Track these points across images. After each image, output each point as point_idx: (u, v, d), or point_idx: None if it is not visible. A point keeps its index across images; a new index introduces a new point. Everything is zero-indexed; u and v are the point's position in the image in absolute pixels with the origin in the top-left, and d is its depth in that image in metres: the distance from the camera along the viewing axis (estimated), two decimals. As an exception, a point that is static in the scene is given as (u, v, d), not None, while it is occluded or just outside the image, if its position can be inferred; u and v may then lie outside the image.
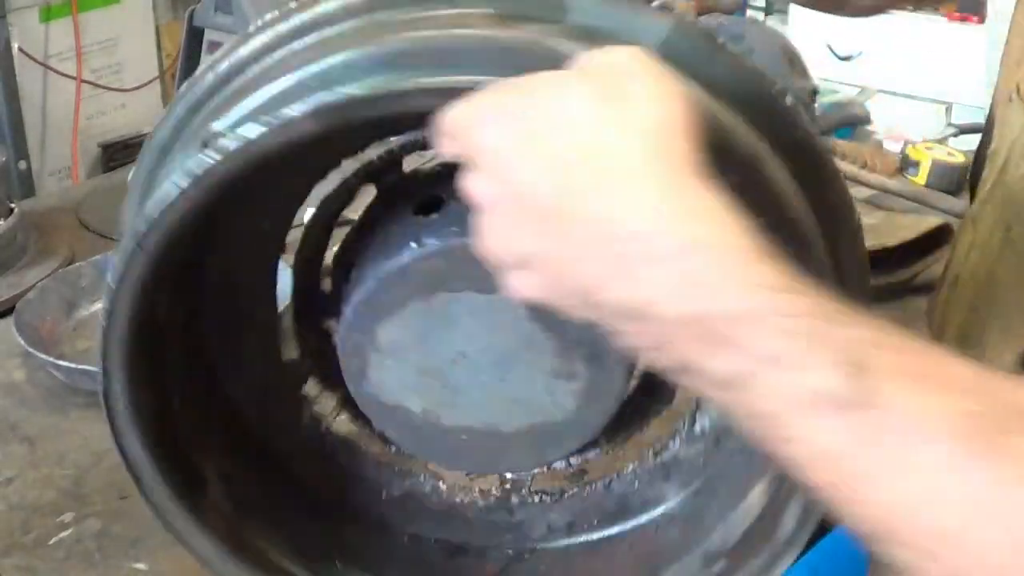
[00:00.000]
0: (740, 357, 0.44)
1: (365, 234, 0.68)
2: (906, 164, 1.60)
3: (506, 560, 0.79)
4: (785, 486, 0.68)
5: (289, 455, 0.79)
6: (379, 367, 0.66)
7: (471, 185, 0.51)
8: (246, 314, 0.75)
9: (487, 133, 0.49)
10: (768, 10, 3.35)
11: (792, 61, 1.82)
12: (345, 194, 0.72)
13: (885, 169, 1.61)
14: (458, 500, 0.81)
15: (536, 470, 0.78)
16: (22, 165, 1.69)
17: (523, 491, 0.80)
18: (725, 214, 0.46)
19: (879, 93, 1.98)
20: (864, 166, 1.62)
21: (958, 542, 0.40)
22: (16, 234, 1.32)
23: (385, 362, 0.65)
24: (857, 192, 1.52)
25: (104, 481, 0.95)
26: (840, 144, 1.70)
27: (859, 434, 0.42)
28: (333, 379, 0.74)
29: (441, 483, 0.81)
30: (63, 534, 0.89)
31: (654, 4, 0.63)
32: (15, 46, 1.74)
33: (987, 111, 0.77)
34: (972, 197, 0.80)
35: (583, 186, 0.47)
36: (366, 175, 0.70)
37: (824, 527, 0.97)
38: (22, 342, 1.08)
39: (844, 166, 1.63)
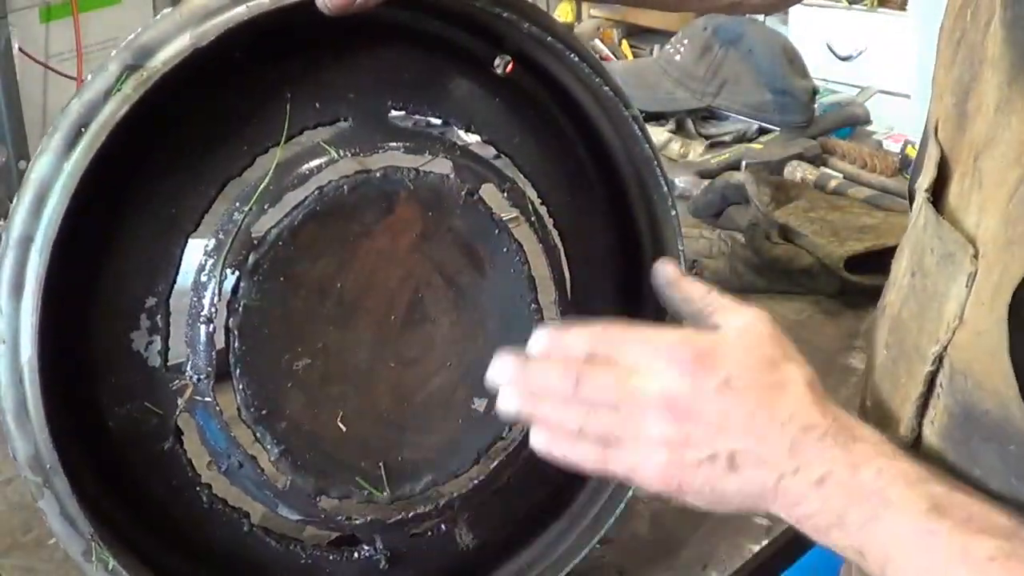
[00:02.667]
0: (870, 505, 0.61)
1: None
2: (906, 164, 1.59)
3: None
4: None
5: None
6: None
7: (659, 434, 0.64)
8: None
9: (713, 407, 0.64)
10: (768, 10, 3.34)
11: (792, 61, 1.82)
12: None
13: (885, 169, 1.61)
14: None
15: None
16: (22, 165, 1.68)
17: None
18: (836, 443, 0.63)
19: (879, 93, 1.97)
20: (864, 166, 1.62)
21: None
22: (16, 234, 1.31)
23: None
24: (857, 192, 1.52)
25: (104, 481, 0.95)
26: (840, 144, 1.70)
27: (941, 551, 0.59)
28: None
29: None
30: (63, 534, 0.89)
31: None
32: (15, 46, 1.74)
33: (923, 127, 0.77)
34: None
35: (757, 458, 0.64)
36: None
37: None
38: (22, 342, 1.08)
39: (844, 166, 1.64)
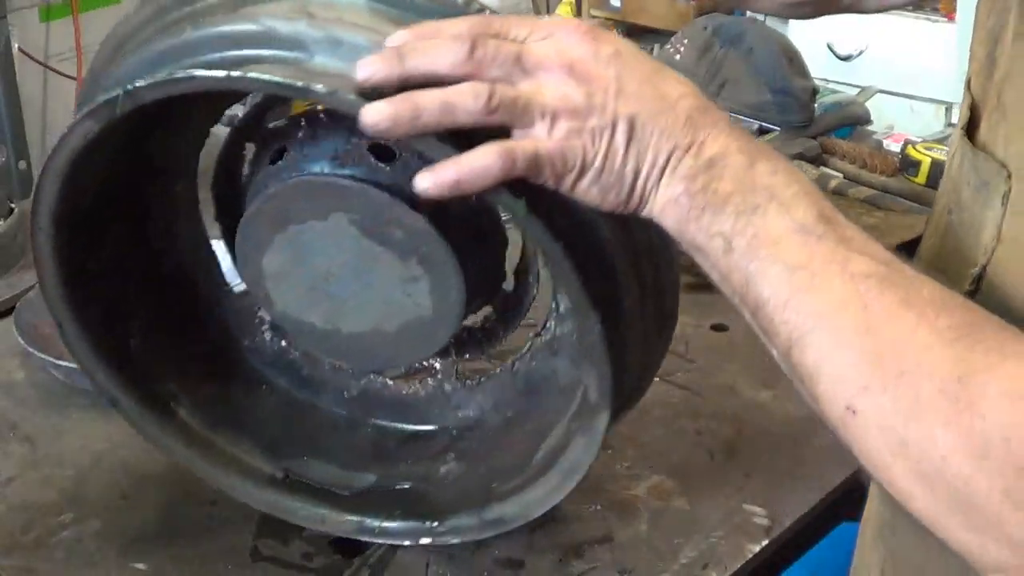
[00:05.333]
0: (757, 195, 0.60)
1: (248, 186, 0.82)
2: (906, 164, 1.60)
3: (449, 440, 0.92)
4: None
5: (258, 369, 0.95)
6: (277, 292, 0.80)
7: (560, 95, 0.62)
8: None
9: (611, 69, 0.63)
10: (768, 10, 3.33)
11: (792, 61, 1.82)
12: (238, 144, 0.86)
13: (885, 169, 1.61)
14: (405, 392, 0.95)
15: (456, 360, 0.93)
16: (22, 165, 1.68)
17: (453, 379, 0.94)
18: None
19: (879, 93, 1.97)
20: (864, 166, 1.62)
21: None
22: (16, 234, 1.32)
23: (279, 287, 0.80)
24: (857, 192, 1.52)
25: (104, 481, 0.95)
26: (840, 144, 1.70)
27: (811, 255, 0.58)
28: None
29: (389, 380, 0.95)
30: (63, 534, 0.89)
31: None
32: (15, 46, 1.74)
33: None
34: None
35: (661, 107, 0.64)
36: (242, 134, 0.85)
37: (823, 525, 0.98)
38: (22, 342, 1.08)
39: (844, 166, 1.64)
